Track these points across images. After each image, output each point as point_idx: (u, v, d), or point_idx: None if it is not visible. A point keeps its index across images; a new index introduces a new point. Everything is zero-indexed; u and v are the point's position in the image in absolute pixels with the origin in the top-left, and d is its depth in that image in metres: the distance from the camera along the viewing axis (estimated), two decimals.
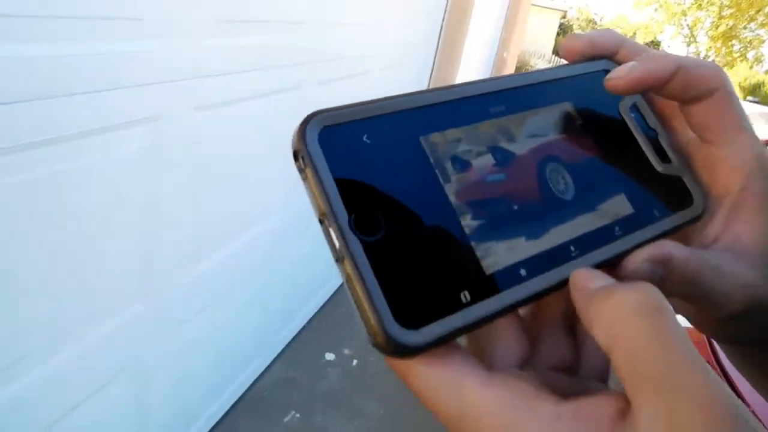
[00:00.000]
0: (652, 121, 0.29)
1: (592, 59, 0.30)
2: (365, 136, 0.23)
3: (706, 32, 16.70)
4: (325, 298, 3.04)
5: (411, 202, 0.22)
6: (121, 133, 1.23)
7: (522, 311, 0.25)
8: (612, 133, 0.29)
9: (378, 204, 0.21)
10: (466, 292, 0.22)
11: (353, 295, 0.21)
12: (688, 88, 0.27)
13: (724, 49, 16.39)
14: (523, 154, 0.26)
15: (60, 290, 1.19)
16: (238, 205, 1.86)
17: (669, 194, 0.28)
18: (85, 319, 1.29)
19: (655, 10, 17.38)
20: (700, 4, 16.47)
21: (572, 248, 0.25)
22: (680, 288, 0.24)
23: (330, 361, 2.66)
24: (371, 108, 0.23)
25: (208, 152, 1.58)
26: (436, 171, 0.23)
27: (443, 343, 0.21)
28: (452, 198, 0.23)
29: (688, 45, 17.45)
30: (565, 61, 0.31)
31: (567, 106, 0.28)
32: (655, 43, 33.45)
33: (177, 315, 1.65)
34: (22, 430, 1.19)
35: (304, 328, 2.78)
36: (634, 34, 20.09)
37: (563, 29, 41.61)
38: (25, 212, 1.05)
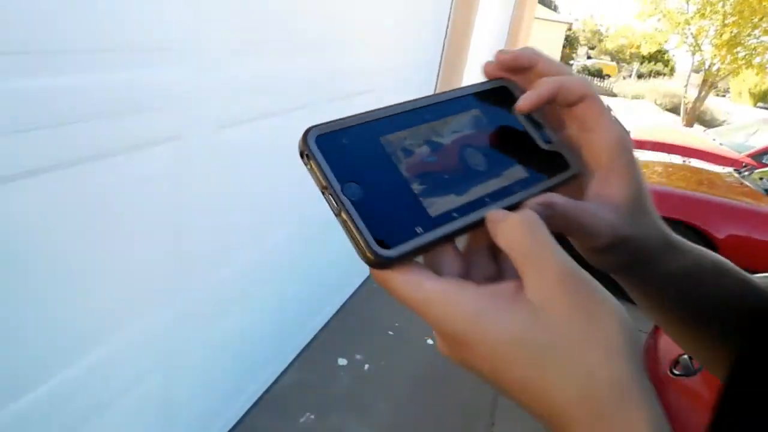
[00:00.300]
0: (537, 116, 0.43)
1: (494, 79, 0.43)
2: (345, 138, 0.36)
3: (711, 41, 16.80)
4: (337, 307, 3.16)
5: (377, 176, 0.35)
6: (151, 149, 1.37)
7: (459, 245, 0.37)
8: (509, 126, 0.42)
9: (356, 178, 0.34)
10: (419, 227, 0.34)
11: (349, 233, 0.33)
12: (569, 98, 0.40)
13: (729, 56, 16.47)
14: (449, 143, 0.39)
15: (92, 295, 1.32)
16: (257, 216, 1.99)
17: (552, 163, 0.41)
18: (114, 323, 1.42)
19: (659, 20, 17.49)
20: (703, 13, 16.55)
21: (487, 199, 0.37)
22: (562, 224, 0.37)
23: (342, 365, 2.77)
24: (348, 120, 0.36)
25: (229, 166, 1.72)
26: (392, 157, 0.36)
27: (408, 257, 0.33)
28: (404, 172, 0.36)
29: (693, 53, 17.51)
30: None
31: (477, 111, 0.41)
32: (661, 52, 33.48)
33: (200, 320, 1.78)
34: (56, 426, 1.32)
35: (317, 335, 2.91)
36: (639, 45, 20.23)
37: (569, 41, 41.80)
38: (61, 224, 1.19)
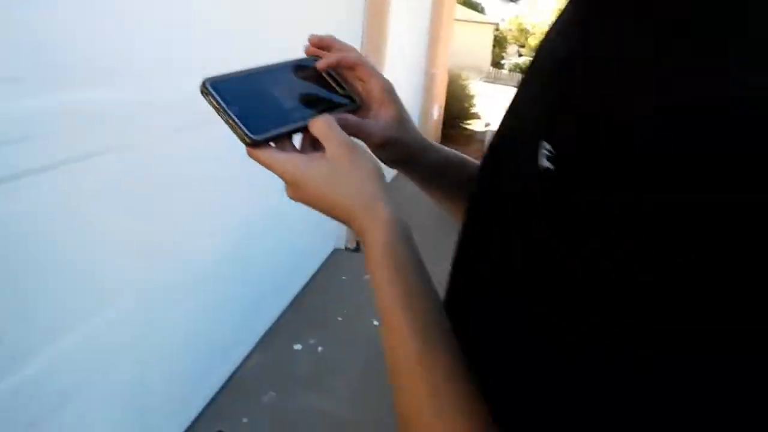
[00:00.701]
0: (336, 74, 0.70)
1: (313, 56, 0.71)
2: (227, 82, 0.59)
3: None
4: (289, 300, 3.44)
5: (247, 101, 0.59)
6: (107, 156, 1.64)
7: (297, 143, 0.61)
8: (322, 80, 0.69)
9: (235, 102, 0.57)
10: (272, 126, 0.58)
11: (234, 130, 0.56)
12: (348, 63, 0.69)
13: None
14: (288, 86, 0.64)
15: (64, 287, 1.55)
16: (210, 216, 2.26)
17: (346, 99, 0.68)
18: (81, 313, 1.64)
19: None
20: None
21: (308, 115, 0.61)
22: (353, 132, 0.63)
23: (298, 350, 3.05)
24: (230, 73, 0.60)
25: (182, 167, 1.99)
26: (254, 91, 0.61)
27: (267, 141, 0.57)
28: (261, 99, 0.60)
29: None
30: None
31: (303, 72, 0.67)
32: None
33: (163, 311, 2.04)
34: (33, 411, 1.50)
35: (272, 325, 3.18)
36: None
37: (498, 41, 42.87)
38: (30, 228, 1.42)
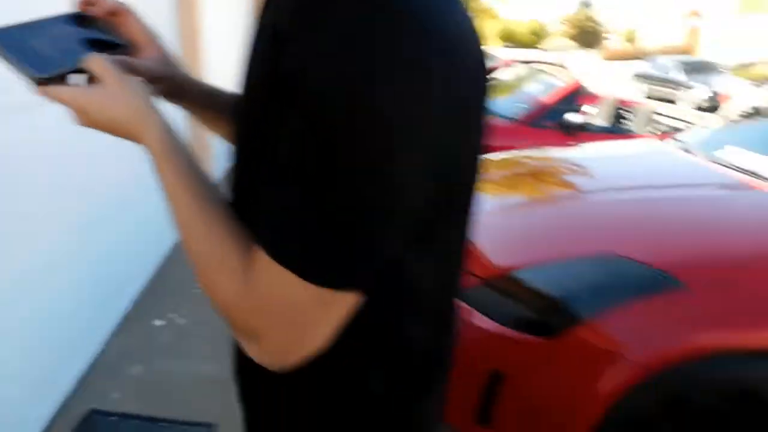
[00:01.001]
0: (105, 24, 0.79)
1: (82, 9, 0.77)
2: (9, 32, 0.66)
3: None
4: (146, 280, 3.56)
5: (25, 48, 0.66)
6: None
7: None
8: (92, 28, 0.76)
9: (19, 48, 0.65)
10: (51, 67, 0.66)
11: (23, 72, 0.63)
12: (112, 11, 0.79)
13: None
14: (64, 34, 0.72)
15: None
16: (55, 199, 2.32)
17: (117, 44, 0.78)
18: None
19: None
20: None
21: (86, 55, 0.67)
22: (127, 70, 0.70)
23: (160, 325, 3.19)
24: (8, 26, 0.67)
25: (22, 152, 2.05)
26: (29, 40, 0.67)
27: (54, 80, 0.66)
28: (36, 45, 0.67)
29: None
30: None
31: (76, 23, 0.74)
32: None
33: (17, 296, 2.11)
34: None
35: (132, 306, 3.30)
36: None
37: None
38: None
